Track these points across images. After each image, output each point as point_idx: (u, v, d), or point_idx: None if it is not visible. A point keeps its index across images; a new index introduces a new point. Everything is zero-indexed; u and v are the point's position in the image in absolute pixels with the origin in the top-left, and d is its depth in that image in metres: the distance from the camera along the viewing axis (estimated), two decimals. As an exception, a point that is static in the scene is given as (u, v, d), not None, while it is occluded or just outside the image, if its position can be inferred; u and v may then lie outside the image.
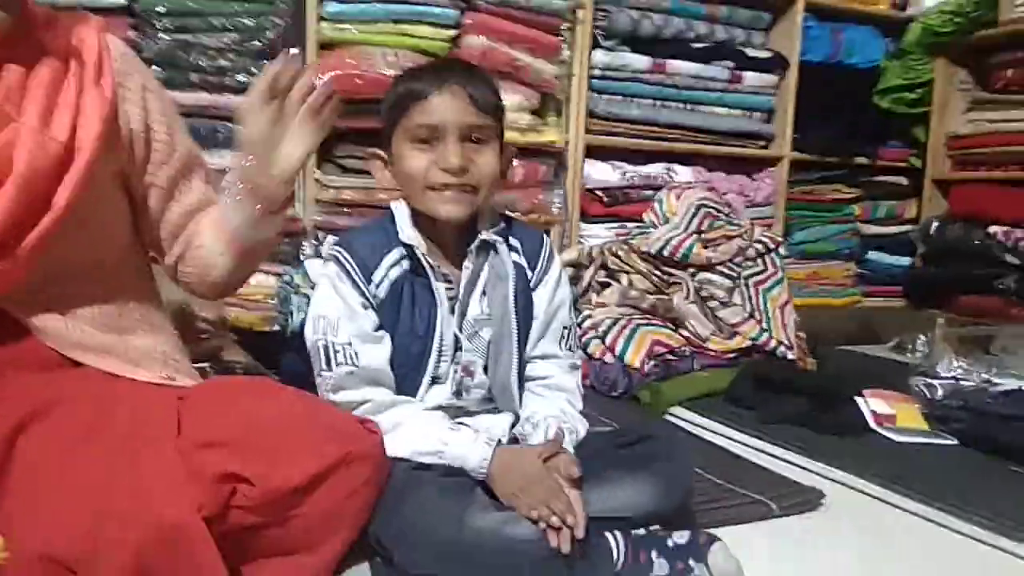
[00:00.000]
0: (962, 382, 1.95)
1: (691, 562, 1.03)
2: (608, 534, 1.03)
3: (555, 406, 1.23)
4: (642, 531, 1.06)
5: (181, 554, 0.84)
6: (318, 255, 2.15)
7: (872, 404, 1.87)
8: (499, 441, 1.11)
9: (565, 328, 1.29)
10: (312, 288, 1.83)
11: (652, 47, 2.59)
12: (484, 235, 1.20)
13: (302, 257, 2.14)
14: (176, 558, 0.84)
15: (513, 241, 1.26)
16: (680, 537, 1.05)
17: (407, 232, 1.18)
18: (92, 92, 1.01)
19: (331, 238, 2.14)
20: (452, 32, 2.26)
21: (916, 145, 3.00)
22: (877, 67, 2.88)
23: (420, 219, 1.20)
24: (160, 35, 1.93)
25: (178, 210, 1.15)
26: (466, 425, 1.15)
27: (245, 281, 1.24)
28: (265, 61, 2.06)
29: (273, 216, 1.14)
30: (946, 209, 2.82)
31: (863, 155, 2.99)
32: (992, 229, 2.58)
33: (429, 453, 1.09)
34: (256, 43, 2.03)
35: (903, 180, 3.11)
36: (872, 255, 3.09)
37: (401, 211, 1.21)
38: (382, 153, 1.22)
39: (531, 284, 1.26)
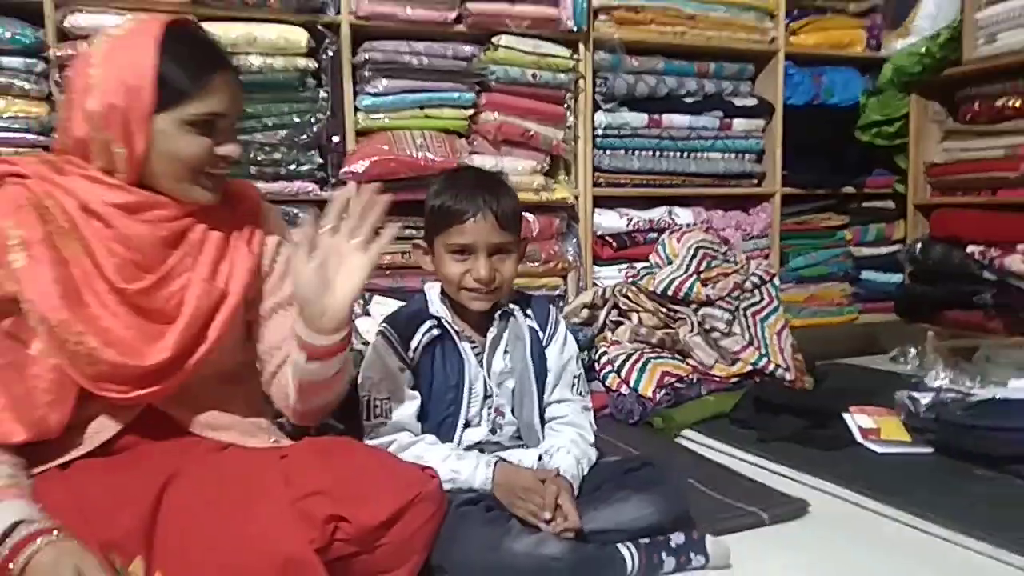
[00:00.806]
0: (945, 394, 2.19)
1: (691, 554, 1.35)
2: (620, 545, 1.32)
3: (569, 439, 1.52)
4: (646, 539, 1.35)
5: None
6: (366, 313, 2.47)
7: (858, 420, 2.12)
8: (499, 460, 1.41)
9: (575, 377, 1.61)
10: (363, 344, 2.14)
11: (648, 105, 2.88)
12: (505, 307, 1.53)
13: (352, 317, 2.44)
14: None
15: (527, 311, 1.58)
16: (678, 537, 1.36)
17: (436, 307, 1.52)
18: (243, 250, 1.33)
19: (376, 298, 2.45)
20: (470, 112, 2.57)
21: (900, 172, 3.25)
22: (857, 104, 3.15)
23: (449, 298, 1.52)
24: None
25: (270, 338, 1.38)
26: (481, 452, 1.46)
27: (323, 413, 1.42)
28: (312, 151, 2.40)
29: (332, 357, 1.28)
30: (928, 231, 3.06)
31: (850, 185, 3.26)
32: (970, 249, 2.80)
33: (447, 480, 1.36)
34: (304, 136, 2.36)
35: (890, 204, 3.36)
36: (866, 275, 3.34)
37: (433, 291, 1.55)
38: (424, 245, 1.54)
39: (543, 343, 1.58)
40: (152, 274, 1.25)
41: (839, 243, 3.29)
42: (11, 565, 1.03)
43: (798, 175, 3.12)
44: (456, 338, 1.50)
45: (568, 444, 1.50)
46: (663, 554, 1.34)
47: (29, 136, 2.11)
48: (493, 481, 1.38)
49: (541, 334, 1.57)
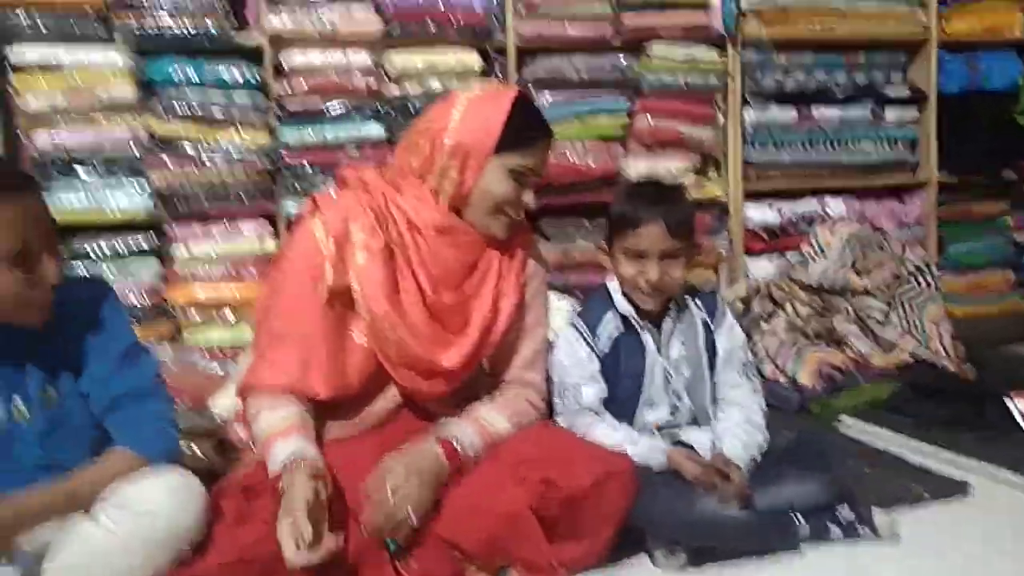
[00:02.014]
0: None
1: (858, 526, 1.50)
2: (791, 513, 1.48)
3: (735, 422, 1.67)
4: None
5: (520, 533, 1.36)
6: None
7: (1020, 405, 2.15)
8: (670, 445, 1.59)
9: (743, 363, 1.76)
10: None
11: (798, 99, 2.96)
12: (679, 300, 1.70)
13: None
14: (517, 536, 1.36)
15: (697, 301, 1.74)
16: (845, 510, 1.51)
17: (621, 304, 1.69)
18: (512, 281, 1.59)
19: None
20: (625, 119, 2.75)
21: (1066, 153, 3.16)
22: (1017, 88, 3.08)
23: (628, 294, 1.70)
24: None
25: (509, 374, 1.63)
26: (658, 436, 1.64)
27: None
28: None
29: None
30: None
31: (1010, 170, 3.19)
32: None
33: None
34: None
35: (1056, 187, 3.27)
36: (1030, 260, 3.27)
37: (614, 287, 1.72)
38: (605, 246, 1.74)
39: (713, 332, 1.73)
40: (453, 291, 1.53)
41: (1000, 229, 3.23)
42: (280, 484, 1.29)
43: (955, 162, 3.10)
44: (638, 329, 1.69)
45: (734, 428, 1.65)
46: (830, 524, 1.50)
47: (258, 162, 2.47)
48: (667, 457, 1.56)
49: (711, 323, 1.73)
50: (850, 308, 2.63)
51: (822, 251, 2.79)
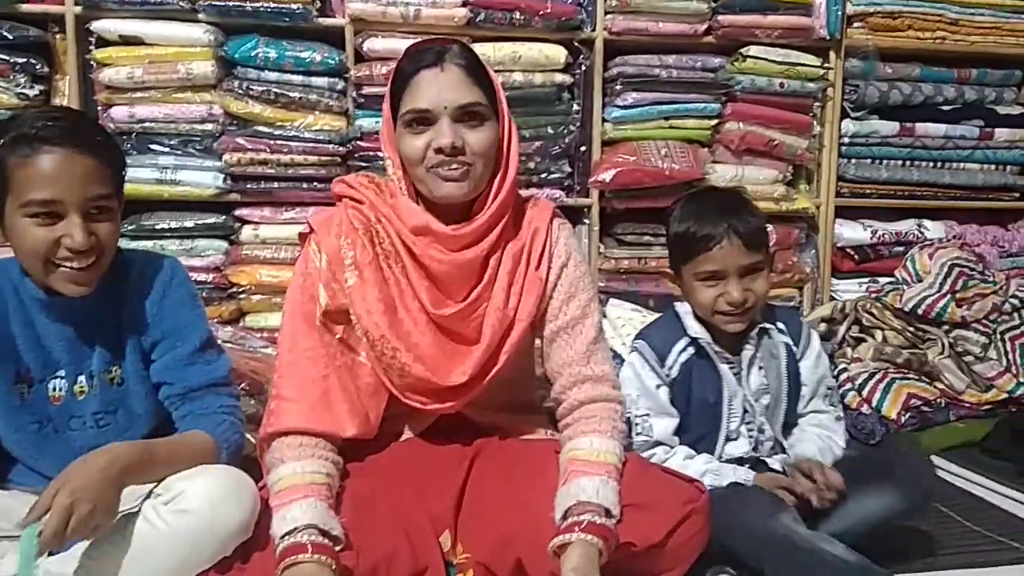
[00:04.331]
0: None
1: None
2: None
3: (814, 433, 1.54)
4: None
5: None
6: (603, 315, 2.58)
7: None
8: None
9: (829, 389, 1.62)
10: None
11: (901, 112, 2.78)
12: (760, 325, 1.55)
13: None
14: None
15: (779, 325, 1.59)
16: None
17: (693, 328, 1.54)
18: (532, 276, 1.39)
19: (613, 300, 2.56)
20: (714, 122, 2.62)
21: None
22: None
23: (701, 318, 1.55)
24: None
25: (554, 359, 1.41)
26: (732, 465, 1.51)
27: None
28: (563, 160, 2.55)
29: None
30: None
31: None
32: None
33: (707, 486, 1.41)
34: (556, 147, 2.51)
35: None
36: None
37: (685, 311, 1.57)
38: (671, 272, 1.60)
39: (796, 358, 1.59)
40: (461, 300, 1.37)
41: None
42: (282, 563, 1.15)
43: (1069, 188, 2.88)
44: (714, 358, 1.54)
45: (813, 436, 1.53)
46: None
47: (331, 147, 2.41)
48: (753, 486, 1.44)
49: (795, 349, 1.58)
50: (945, 341, 2.44)
51: (918, 276, 2.61)
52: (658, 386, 1.54)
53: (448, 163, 1.30)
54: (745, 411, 1.55)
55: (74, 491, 1.06)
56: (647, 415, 1.53)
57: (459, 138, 1.29)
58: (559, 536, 1.20)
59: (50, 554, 1.06)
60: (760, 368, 1.56)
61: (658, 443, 1.53)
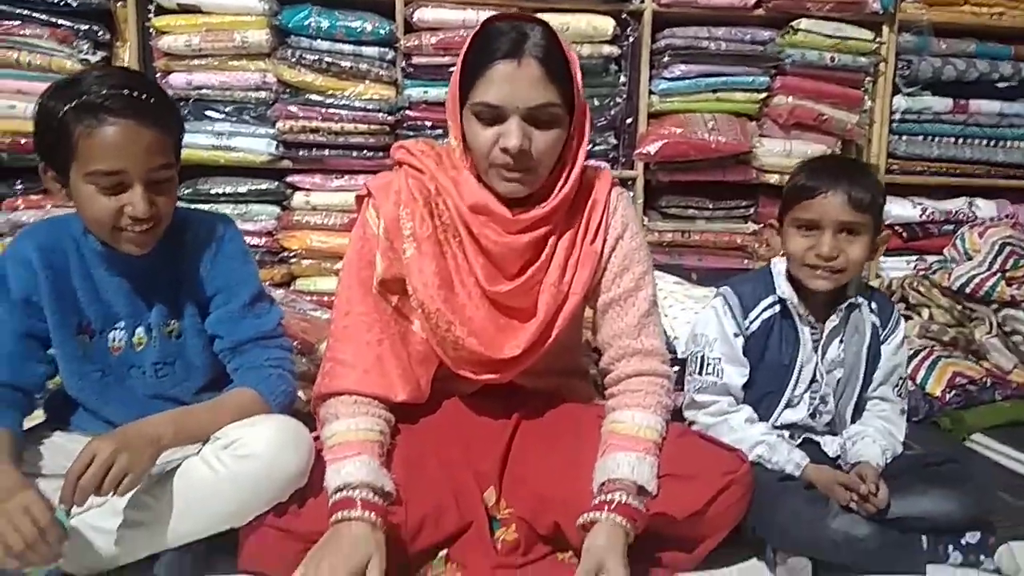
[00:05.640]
0: None
1: (981, 556, 1.36)
2: (920, 536, 1.36)
3: (876, 429, 1.52)
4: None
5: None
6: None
7: None
8: (808, 461, 1.45)
9: (901, 379, 1.60)
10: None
11: (954, 89, 2.73)
12: (853, 298, 1.53)
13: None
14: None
15: (873, 304, 1.57)
16: (972, 536, 1.37)
17: (783, 288, 1.54)
18: (588, 250, 1.38)
19: (655, 272, 2.55)
20: (763, 95, 2.60)
21: None
22: None
23: (793, 280, 1.54)
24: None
25: (604, 332, 1.42)
26: (787, 440, 1.51)
27: None
28: (608, 132, 2.55)
29: None
30: None
31: None
32: None
33: (755, 458, 1.44)
34: (602, 119, 2.51)
35: None
36: None
37: (779, 269, 1.56)
38: (775, 223, 1.60)
39: (881, 340, 1.57)
40: (516, 277, 1.37)
41: None
42: (333, 516, 1.19)
43: None
44: (797, 320, 1.54)
45: (875, 434, 1.51)
46: (950, 547, 1.37)
47: (380, 115, 2.45)
48: (803, 472, 1.44)
49: (881, 330, 1.57)
50: (993, 320, 2.41)
51: (968, 255, 2.57)
52: (736, 335, 1.54)
53: (512, 164, 1.28)
54: (814, 380, 1.55)
55: (116, 449, 1.12)
56: (720, 359, 1.53)
57: (527, 139, 1.26)
58: (588, 513, 1.23)
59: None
60: (841, 342, 1.55)
61: (727, 392, 1.53)
